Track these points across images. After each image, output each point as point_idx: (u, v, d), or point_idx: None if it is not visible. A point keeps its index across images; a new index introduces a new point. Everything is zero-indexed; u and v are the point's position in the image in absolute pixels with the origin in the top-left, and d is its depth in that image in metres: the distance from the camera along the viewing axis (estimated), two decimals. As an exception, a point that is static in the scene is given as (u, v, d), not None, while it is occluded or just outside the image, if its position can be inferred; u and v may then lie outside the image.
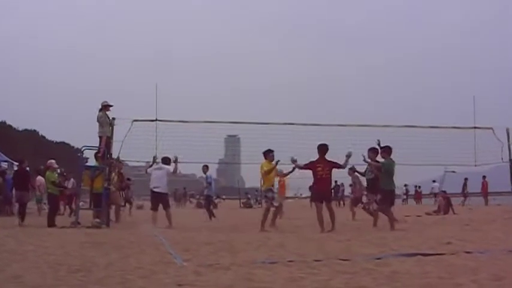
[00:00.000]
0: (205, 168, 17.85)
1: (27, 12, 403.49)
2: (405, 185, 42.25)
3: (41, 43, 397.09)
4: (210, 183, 18.26)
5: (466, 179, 32.29)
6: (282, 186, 18.07)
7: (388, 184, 12.18)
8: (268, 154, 12.87)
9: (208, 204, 18.87)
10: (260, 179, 13.73)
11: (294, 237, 9.86)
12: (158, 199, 14.01)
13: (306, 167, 12.09)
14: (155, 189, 13.92)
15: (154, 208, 14.04)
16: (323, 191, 12.18)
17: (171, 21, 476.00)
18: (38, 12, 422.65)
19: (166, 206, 14.06)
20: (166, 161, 14.06)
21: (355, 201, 17.50)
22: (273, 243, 8.57)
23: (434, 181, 41.84)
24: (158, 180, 13.88)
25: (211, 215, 18.05)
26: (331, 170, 11.99)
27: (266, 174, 12.74)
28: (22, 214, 15.19)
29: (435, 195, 41.84)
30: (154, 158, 14.12)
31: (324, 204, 11.85)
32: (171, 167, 14.04)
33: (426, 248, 7.57)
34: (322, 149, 12.02)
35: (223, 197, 57.30)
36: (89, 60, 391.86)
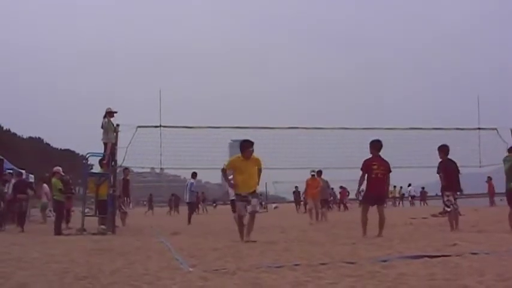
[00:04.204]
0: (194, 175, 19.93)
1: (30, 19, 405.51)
2: (409, 185, 42.38)
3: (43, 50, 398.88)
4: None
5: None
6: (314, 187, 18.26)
7: None
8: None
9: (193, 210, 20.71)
10: None
11: (300, 242, 9.85)
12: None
13: (362, 169, 10.63)
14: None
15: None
16: (378, 193, 10.63)
17: (173, 22, 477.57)
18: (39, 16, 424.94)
19: None
20: None
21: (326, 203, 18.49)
22: (279, 248, 8.57)
23: (409, 185, 42.20)
24: None
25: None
26: (388, 170, 10.69)
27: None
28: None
29: (412, 197, 42.20)
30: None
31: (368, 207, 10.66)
32: None
33: (432, 249, 7.56)
34: (376, 145, 10.71)
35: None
36: (90, 64, 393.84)
